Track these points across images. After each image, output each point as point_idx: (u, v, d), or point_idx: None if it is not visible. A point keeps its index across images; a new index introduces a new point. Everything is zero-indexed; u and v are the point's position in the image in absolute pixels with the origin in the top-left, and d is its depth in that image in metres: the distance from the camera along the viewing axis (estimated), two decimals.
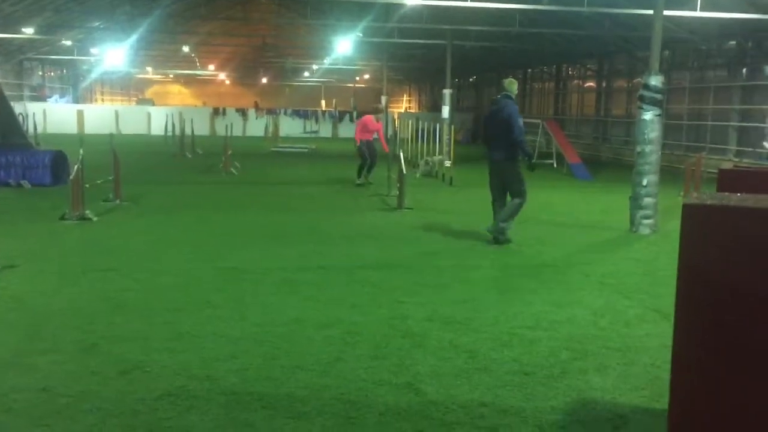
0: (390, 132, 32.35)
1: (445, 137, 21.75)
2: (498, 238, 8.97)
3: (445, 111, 23.13)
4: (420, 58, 39.81)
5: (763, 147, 19.68)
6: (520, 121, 8.75)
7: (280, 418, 3.92)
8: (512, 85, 9.04)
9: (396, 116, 36.00)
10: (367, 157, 15.39)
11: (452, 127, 22.88)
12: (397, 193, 12.34)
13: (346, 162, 22.81)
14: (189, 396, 4.17)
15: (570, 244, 9.34)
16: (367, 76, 58.39)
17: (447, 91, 23.54)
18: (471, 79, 46.84)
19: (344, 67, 47.09)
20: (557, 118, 30.62)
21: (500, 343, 5.22)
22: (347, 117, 40.10)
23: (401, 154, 12.51)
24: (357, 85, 60.33)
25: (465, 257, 8.38)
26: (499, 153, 8.83)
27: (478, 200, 13.56)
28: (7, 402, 4.01)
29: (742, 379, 2.48)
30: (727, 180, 3.88)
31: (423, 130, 19.51)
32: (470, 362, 4.82)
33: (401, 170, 12.19)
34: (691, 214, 2.46)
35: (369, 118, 15.63)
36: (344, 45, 32.74)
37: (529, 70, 36.70)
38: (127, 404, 4.04)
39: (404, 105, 61.66)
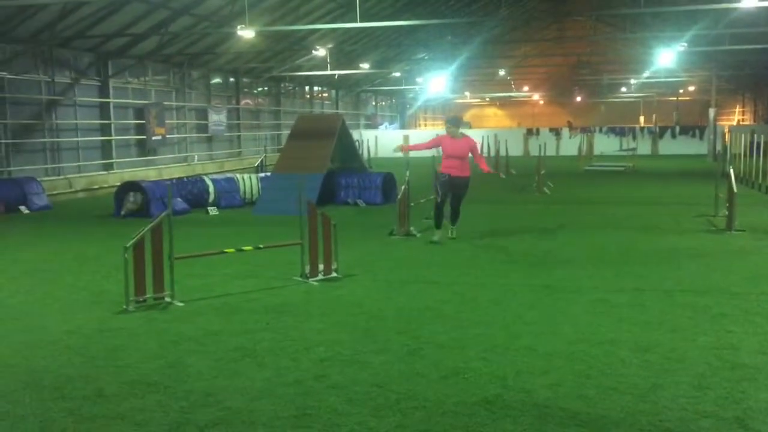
0: (719, 147, 29.70)
1: None
2: None
3: None
4: (756, 65, 35.84)
5: None
6: None
7: None
8: None
9: (726, 130, 32.86)
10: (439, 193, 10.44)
11: None
12: (726, 213, 11.31)
13: (668, 180, 21.47)
14: (504, 405, 4.36)
15: None
16: (691, 88, 54.22)
17: None
18: None
19: (665, 79, 44.37)
20: None
21: None
22: (668, 133, 37.68)
23: (731, 171, 11.45)
24: (680, 99, 56.35)
25: None
26: None
27: None
28: (349, 393, 4.60)
29: None
30: None
31: (758, 144, 17.55)
32: None
33: (731, 188, 11.16)
34: None
35: (446, 138, 10.48)
36: (666, 57, 30.93)
37: None
38: (448, 406, 4.37)
39: (736, 117, 55.90)
